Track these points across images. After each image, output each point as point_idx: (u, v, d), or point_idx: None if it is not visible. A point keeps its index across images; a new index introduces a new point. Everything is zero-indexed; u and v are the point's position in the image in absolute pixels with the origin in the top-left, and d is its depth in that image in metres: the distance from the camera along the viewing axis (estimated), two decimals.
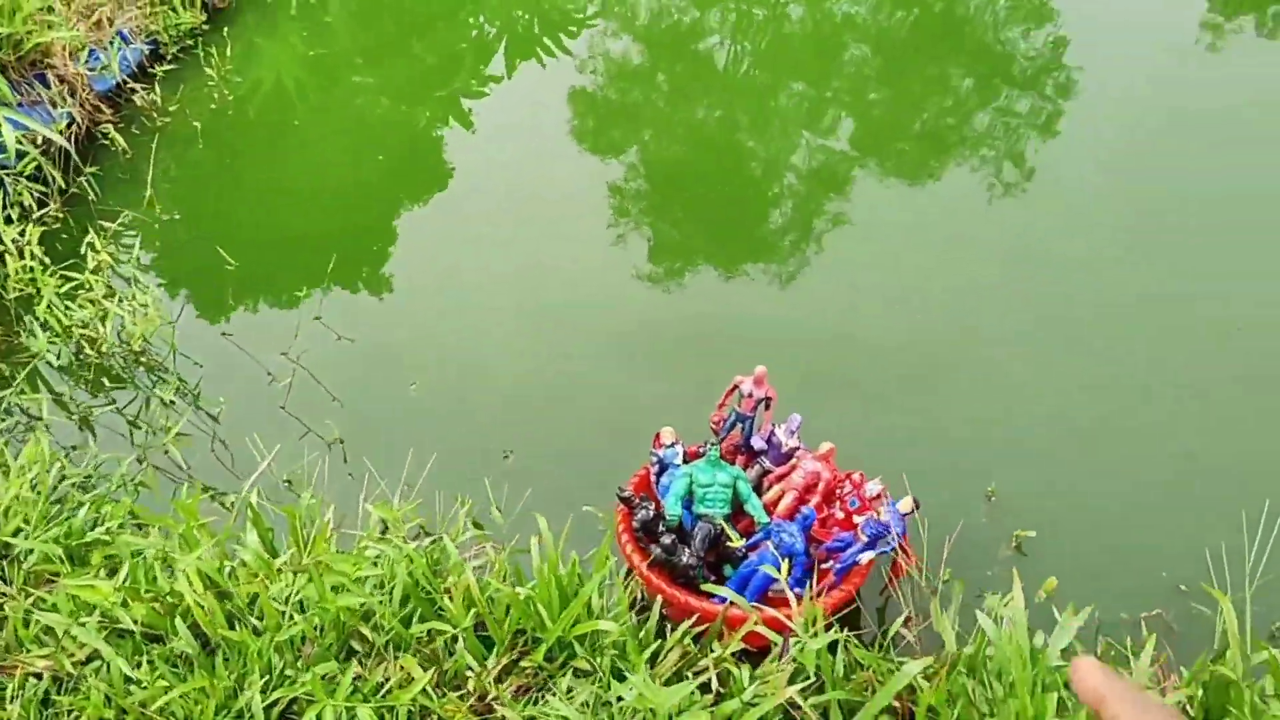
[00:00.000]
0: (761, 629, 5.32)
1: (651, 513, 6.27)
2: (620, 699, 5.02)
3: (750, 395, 6.59)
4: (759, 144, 11.46)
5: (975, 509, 7.10)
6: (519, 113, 11.84)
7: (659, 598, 5.89)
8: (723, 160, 11.21)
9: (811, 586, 6.05)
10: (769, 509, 6.55)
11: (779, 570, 6.14)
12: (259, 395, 8.17)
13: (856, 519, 6.20)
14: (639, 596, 6.44)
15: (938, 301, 8.97)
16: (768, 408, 6.68)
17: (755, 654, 5.77)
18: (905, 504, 5.99)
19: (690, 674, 5.51)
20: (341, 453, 7.67)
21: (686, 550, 5.94)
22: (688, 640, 5.59)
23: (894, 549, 5.92)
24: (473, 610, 5.53)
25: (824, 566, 6.42)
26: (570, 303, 9.02)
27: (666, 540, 5.89)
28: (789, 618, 5.75)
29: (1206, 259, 9.41)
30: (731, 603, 5.61)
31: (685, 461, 6.67)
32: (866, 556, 5.95)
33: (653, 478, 6.66)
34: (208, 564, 5.48)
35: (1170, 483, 7.41)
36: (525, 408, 7.96)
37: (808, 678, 5.26)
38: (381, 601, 5.45)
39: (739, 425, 6.73)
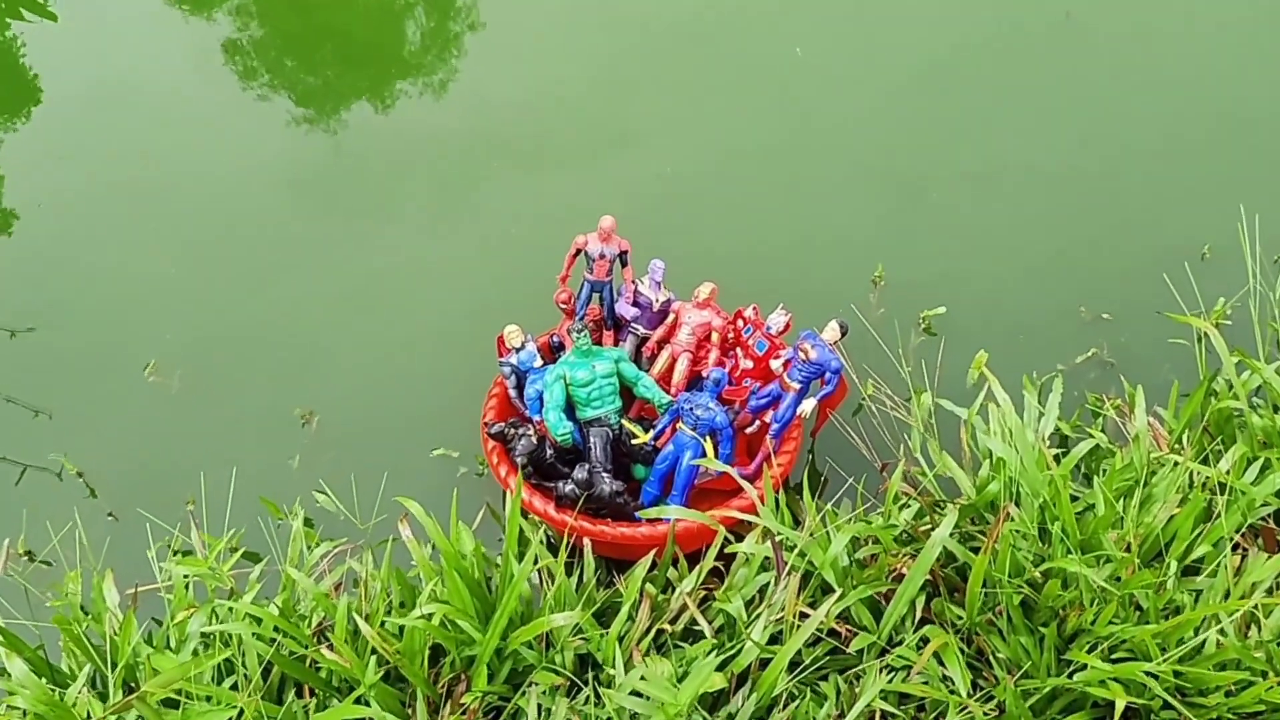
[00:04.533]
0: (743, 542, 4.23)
1: (534, 438, 4.91)
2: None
3: (601, 256, 5.21)
4: None
5: (863, 299, 6.19)
6: None
7: (585, 540, 4.66)
8: None
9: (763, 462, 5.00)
10: (663, 383, 5.34)
11: (704, 454, 5.03)
12: None
13: (774, 363, 5.09)
14: (547, 536, 5.17)
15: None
16: (624, 264, 5.33)
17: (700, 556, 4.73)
18: (831, 331, 4.90)
19: (670, 629, 4.39)
20: (84, 487, 5.74)
21: (603, 476, 4.65)
22: (649, 588, 4.43)
23: (834, 388, 4.88)
24: (372, 656, 4.12)
25: (749, 431, 5.36)
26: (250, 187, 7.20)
27: (580, 475, 4.56)
28: (748, 509, 4.69)
29: None
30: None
31: (545, 360, 5.29)
32: (808, 406, 4.89)
33: (511, 393, 5.25)
34: None
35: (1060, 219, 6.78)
36: (301, 353, 6.23)
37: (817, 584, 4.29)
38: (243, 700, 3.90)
39: (595, 296, 5.38)
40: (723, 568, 4.52)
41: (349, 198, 7.09)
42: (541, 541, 4.78)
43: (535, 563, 4.16)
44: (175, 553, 4.93)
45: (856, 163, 7.02)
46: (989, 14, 7.99)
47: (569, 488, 4.54)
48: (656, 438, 5.17)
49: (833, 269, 6.35)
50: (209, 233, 6.85)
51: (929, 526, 4.46)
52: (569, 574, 4.62)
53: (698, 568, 4.45)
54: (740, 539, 4.54)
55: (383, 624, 4.27)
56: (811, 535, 4.29)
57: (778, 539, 4.31)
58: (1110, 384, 5.77)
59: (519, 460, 4.84)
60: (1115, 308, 6.10)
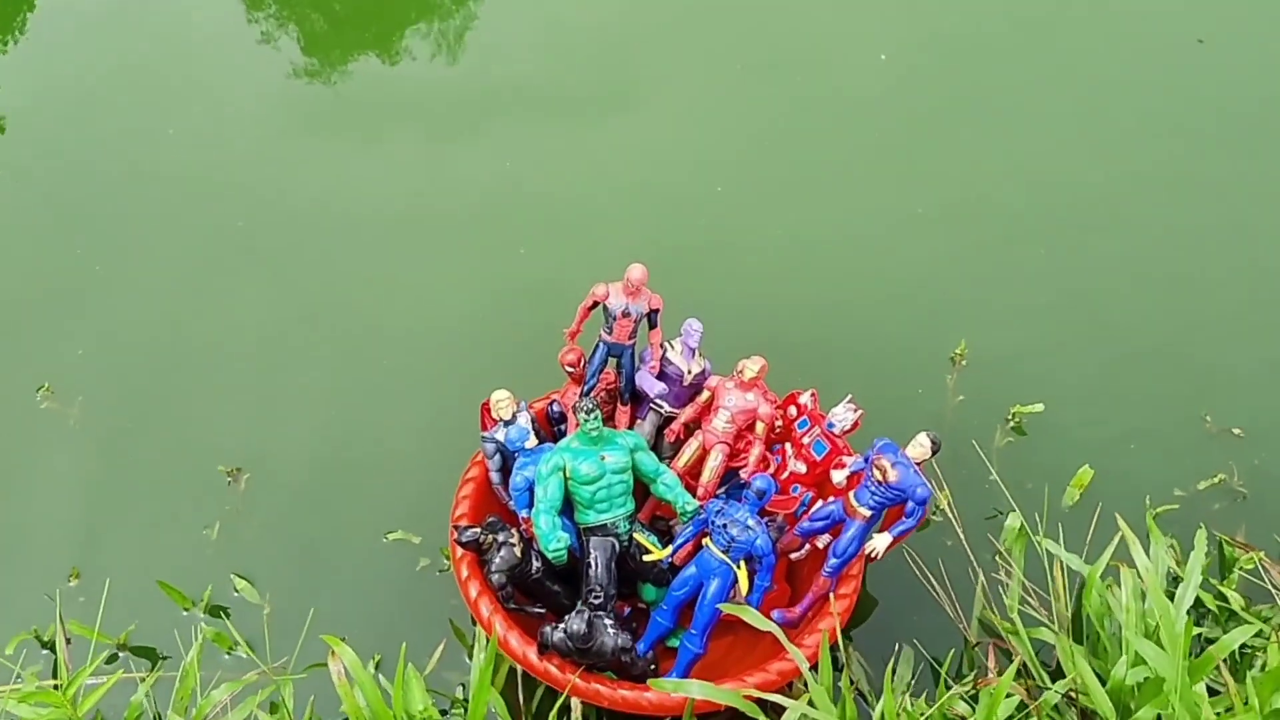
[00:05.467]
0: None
1: (517, 549, 3.75)
2: None
3: (625, 314, 4.03)
4: None
5: (936, 380, 5.01)
6: None
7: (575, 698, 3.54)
8: None
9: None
10: (688, 480, 4.18)
11: (734, 585, 3.89)
12: None
13: (836, 475, 3.93)
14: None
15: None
16: (653, 325, 4.16)
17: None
18: (919, 448, 3.73)
19: None
20: None
21: (605, 624, 3.48)
22: None
23: (916, 523, 3.73)
24: None
25: (794, 556, 4.21)
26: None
27: (575, 625, 3.37)
28: (783, 678, 3.56)
29: None
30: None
31: (540, 435, 4.12)
32: (881, 544, 3.74)
33: (493, 476, 4.08)
34: None
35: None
36: (238, 390, 5.00)
37: None
38: None
39: (610, 360, 4.20)
40: None
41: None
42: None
43: None
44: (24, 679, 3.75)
45: (943, 200, 5.75)
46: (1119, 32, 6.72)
47: (558, 636, 3.39)
48: (676, 551, 4.04)
49: (901, 335, 5.16)
50: (146, 227, 5.63)
51: None
52: None
53: None
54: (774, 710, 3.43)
55: None
56: None
57: None
58: (1238, 520, 4.63)
59: (495, 579, 3.69)
60: (1250, 421, 4.91)
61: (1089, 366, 5.06)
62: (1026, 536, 4.06)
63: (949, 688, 3.55)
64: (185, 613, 4.22)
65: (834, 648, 3.55)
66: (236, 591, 4.23)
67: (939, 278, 5.37)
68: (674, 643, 4.02)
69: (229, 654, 4.03)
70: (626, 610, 4.14)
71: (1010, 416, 4.83)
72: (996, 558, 4.32)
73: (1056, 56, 6.46)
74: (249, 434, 4.71)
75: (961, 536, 4.23)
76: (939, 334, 5.09)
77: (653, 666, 3.75)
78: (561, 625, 3.39)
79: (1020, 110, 6.12)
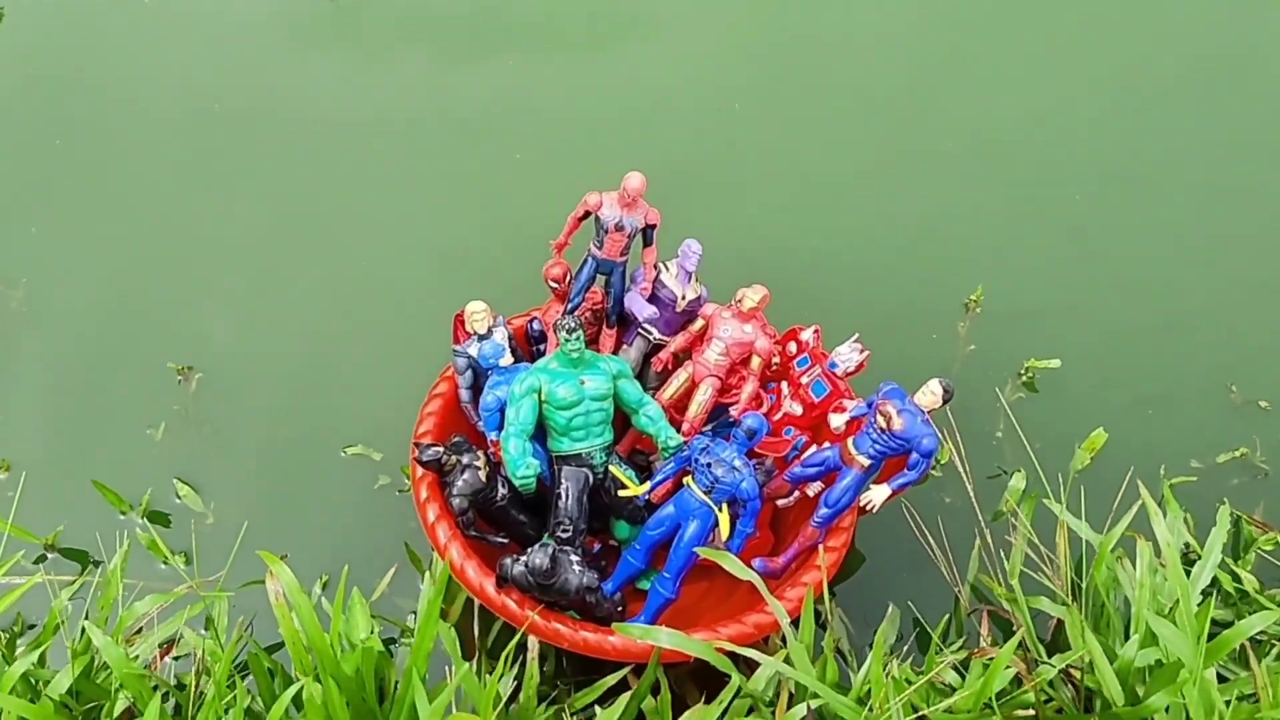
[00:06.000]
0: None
1: (482, 472, 3.44)
2: None
3: (618, 227, 3.67)
4: None
5: (948, 327, 4.67)
6: None
7: (532, 639, 3.24)
8: None
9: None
10: (674, 414, 3.86)
11: (713, 528, 3.59)
12: None
13: (834, 419, 3.61)
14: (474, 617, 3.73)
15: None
16: (647, 242, 3.80)
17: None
18: (929, 395, 3.40)
19: None
20: None
21: (571, 561, 3.18)
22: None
23: (920, 475, 3.41)
24: None
25: (782, 503, 3.91)
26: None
27: (538, 558, 3.05)
28: (760, 631, 3.27)
29: None
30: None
31: (517, 354, 3.79)
32: (879, 496, 3.42)
33: (463, 394, 3.75)
34: None
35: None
36: (194, 283, 4.60)
37: None
38: None
39: (599, 279, 3.85)
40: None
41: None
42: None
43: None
44: None
45: (970, 141, 5.30)
46: None
47: (519, 569, 3.08)
48: (653, 489, 3.73)
49: (914, 277, 4.79)
50: (118, 111, 5.16)
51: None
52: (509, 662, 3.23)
53: None
54: (746, 665, 3.15)
55: None
56: (866, 707, 2.88)
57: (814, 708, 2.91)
58: (1256, 497, 4.34)
59: (456, 503, 3.38)
60: (1279, 393, 4.63)
61: (1111, 326, 4.69)
62: (1032, 499, 3.76)
63: (940, 653, 3.27)
64: (122, 516, 3.92)
65: (818, 603, 3.25)
66: (179, 498, 3.92)
67: (959, 221, 4.97)
68: (644, 585, 3.72)
69: (165, 564, 3.73)
70: (596, 546, 3.84)
71: (1023, 371, 4.50)
72: (996, 521, 4.04)
73: None
74: (206, 332, 4.36)
75: (971, 492, 3.88)
76: (953, 279, 4.72)
77: (620, 609, 3.45)
78: (523, 558, 3.08)
79: (1059, 53, 5.67)
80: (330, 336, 4.43)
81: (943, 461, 4.23)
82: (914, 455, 3.34)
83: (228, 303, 4.47)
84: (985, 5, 5.85)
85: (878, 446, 3.39)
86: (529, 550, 3.06)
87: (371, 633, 3.03)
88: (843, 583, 4.07)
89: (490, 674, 3.08)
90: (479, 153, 5.11)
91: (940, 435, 3.39)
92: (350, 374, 4.32)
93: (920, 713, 2.84)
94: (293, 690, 2.76)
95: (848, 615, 3.95)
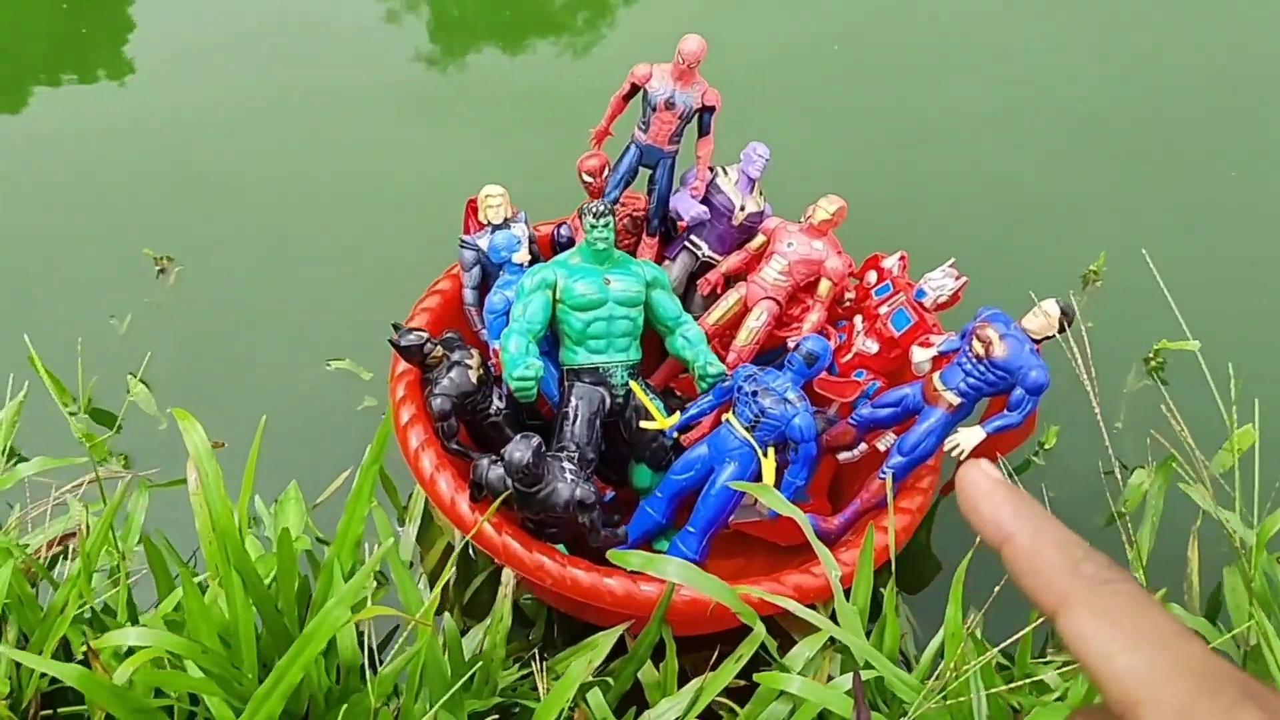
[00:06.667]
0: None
1: (472, 372, 2.79)
2: None
3: (669, 105, 3.04)
4: None
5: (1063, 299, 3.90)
6: None
7: (507, 571, 2.54)
8: None
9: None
10: (719, 341, 3.18)
11: (756, 473, 2.86)
12: None
13: (918, 354, 2.88)
14: (462, 554, 3.07)
15: None
16: (704, 131, 3.14)
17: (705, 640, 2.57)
18: (1040, 317, 2.66)
19: None
20: None
21: (564, 467, 2.49)
22: (592, 702, 2.29)
23: (1024, 418, 2.65)
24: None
25: (845, 457, 3.16)
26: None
27: (518, 453, 2.29)
28: (800, 596, 2.51)
29: None
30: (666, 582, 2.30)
31: (535, 254, 3.16)
32: (969, 439, 2.67)
33: (467, 295, 3.11)
34: None
35: None
36: (188, 164, 4.06)
37: None
38: None
39: (641, 171, 3.21)
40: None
41: None
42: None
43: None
44: None
45: (1102, 95, 4.61)
46: None
47: (496, 472, 2.40)
48: (684, 427, 3.02)
49: (1027, 241, 4.07)
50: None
51: None
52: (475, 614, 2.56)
53: (692, 685, 2.30)
54: (787, 643, 2.40)
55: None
56: (939, 689, 2.12)
57: (863, 677, 2.15)
58: None
59: (436, 404, 2.72)
60: None
61: (1261, 307, 3.91)
62: (1165, 471, 2.97)
63: (1040, 655, 2.49)
64: (71, 415, 3.35)
65: (880, 586, 2.49)
66: (129, 394, 3.35)
67: (1082, 179, 4.25)
68: (663, 546, 3.00)
69: (101, 464, 3.14)
70: (610, 494, 3.13)
71: (1152, 355, 3.71)
72: (1108, 526, 3.24)
73: None
74: (191, 221, 3.83)
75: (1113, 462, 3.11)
76: (1072, 245, 3.99)
77: (622, 531, 2.74)
78: (500, 456, 2.39)
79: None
80: (327, 234, 3.85)
81: (1047, 447, 3.46)
82: (1017, 392, 2.59)
83: (220, 193, 3.92)
84: None
85: (972, 379, 2.64)
86: (507, 449, 2.37)
87: (301, 533, 2.37)
88: (914, 593, 3.30)
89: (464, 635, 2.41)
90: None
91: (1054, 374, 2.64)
92: (345, 280, 3.72)
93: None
94: (178, 595, 2.11)
95: (915, 619, 3.17)
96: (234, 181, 4.03)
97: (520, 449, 2.24)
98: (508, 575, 2.48)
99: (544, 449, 2.31)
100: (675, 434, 2.96)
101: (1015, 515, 0.63)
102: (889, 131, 4.49)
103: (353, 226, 3.94)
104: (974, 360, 2.62)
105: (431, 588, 2.83)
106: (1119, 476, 3.24)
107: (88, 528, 2.25)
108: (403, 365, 2.83)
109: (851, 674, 1.96)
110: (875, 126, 4.50)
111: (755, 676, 2.04)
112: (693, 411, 2.94)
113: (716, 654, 2.47)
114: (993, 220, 4.17)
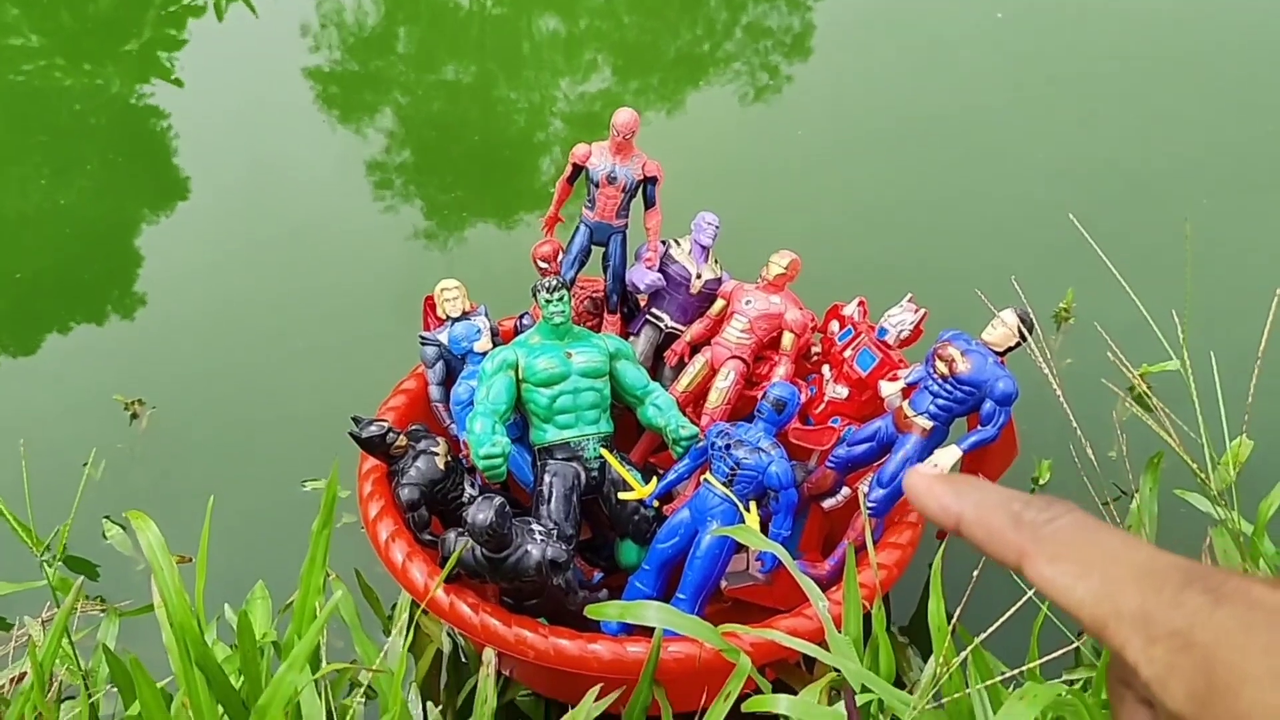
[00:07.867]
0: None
1: (439, 458, 2.75)
2: None
3: (610, 180, 3.10)
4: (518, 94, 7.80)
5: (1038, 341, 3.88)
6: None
7: (489, 650, 2.43)
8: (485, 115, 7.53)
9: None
10: (689, 407, 3.15)
11: (742, 520, 2.78)
12: None
13: (886, 388, 2.85)
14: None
15: None
16: (649, 203, 3.17)
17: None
18: (1000, 331, 2.63)
19: None
20: None
21: (533, 531, 2.40)
22: None
23: (998, 431, 2.59)
24: None
25: (829, 504, 3.07)
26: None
27: (482, 514, 2.20)
28: (810, 637, 2.40)
29: None
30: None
31: (497, 342, 3.16)
32: (947, 459, 2.60)
33: (433, 391, 3.09)
34: None
35: None
36: (154, 325, 4.15)
37: None
38: None
39: (596, 251, 3.25)
40: None
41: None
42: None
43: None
44: None
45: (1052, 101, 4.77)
46: None
47: (460, 541, 2.32)
48: (664, 495, 2.96)
49: (984, 279, 4.07)
50: None
51: None
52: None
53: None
54: (787, 692, 2.27)
55: None
56: (936, 698, 2.00)
57: (856, 698, 2.03)
58: None
59: (404, 494, 2.67)
60: None
61: (1239, 333, 3.87)
62: (1152, 498, 2.89)
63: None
64: (46, 565, 3.29)
65: (870, 609, 2.38)
66: (105, 538, 3.30)
67: (1048, 222, 4.30)
68: None
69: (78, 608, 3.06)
70: (597, 576, 3.03)
71: (1134, 384, 3.64)
72: None
73: None
74: (156, 364, 3.86)
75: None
76: (1041, 282, 3.99)
77: (602, 594, 2.63)
78: (464, 524, 2.32)
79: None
80: (292, 360, 3.89)
81: (1041, 481, 3.37)
82: (987, 405, 2.55)
83: (180, 332, 3.98)
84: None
85: (940, 400, 2.60)
86: (469, 509, 2.30)
87: (264, 633, 2.29)
88: (913, 624, 3.17)
89: None
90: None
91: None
92: (313, 403, 3.73)
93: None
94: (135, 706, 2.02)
95: (918, 650, 3.02)
96: (201, 322, 4.08)
97: (483, 510, 2.18)
98: (489, 654, 2.38)
99: (507, 508, 2.24)
100: (655, 503, 2.89)
101: (958, 497, 0.66)
102: (854, 204, 4.57)
103: (321, 357, 3.97)
104: (939, 380, 2.59)
105: (423, 702, 2.73)
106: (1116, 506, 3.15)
107: (41, 643, 2.18)
108: (370, 461, 2.79)
109: (846, 697, 1.85)
110: (843, 198, 4.58)
111: (744, 706, 1.92)
112: (670, 477, 2.89)
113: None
114: (945, 236, 4.19)
